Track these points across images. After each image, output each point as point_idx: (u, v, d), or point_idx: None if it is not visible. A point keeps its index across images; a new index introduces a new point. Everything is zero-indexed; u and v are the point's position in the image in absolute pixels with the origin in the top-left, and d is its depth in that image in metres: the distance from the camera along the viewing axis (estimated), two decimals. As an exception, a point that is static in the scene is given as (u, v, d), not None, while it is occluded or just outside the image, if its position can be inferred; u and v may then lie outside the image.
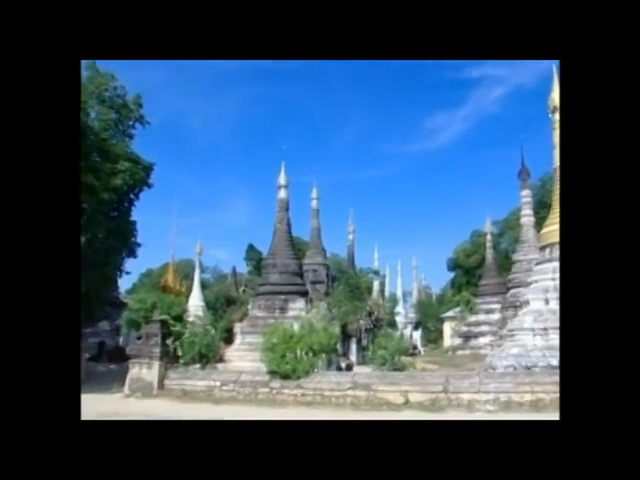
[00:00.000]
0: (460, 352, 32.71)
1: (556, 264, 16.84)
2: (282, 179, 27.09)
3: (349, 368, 20.97)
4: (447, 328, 43.49)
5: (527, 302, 18.63)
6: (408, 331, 43.25)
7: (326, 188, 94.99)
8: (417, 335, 45.77)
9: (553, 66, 18.73)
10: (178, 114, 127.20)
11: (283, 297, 24.76)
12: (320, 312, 23.37)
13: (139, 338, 16.53)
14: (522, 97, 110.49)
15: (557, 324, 13.41)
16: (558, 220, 15.14)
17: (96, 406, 12.57)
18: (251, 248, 49.61)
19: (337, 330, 20.98)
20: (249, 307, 27.23)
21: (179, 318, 18.62)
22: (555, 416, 4.64)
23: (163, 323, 16.57)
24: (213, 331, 19.65)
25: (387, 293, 52.23)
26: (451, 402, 12.26)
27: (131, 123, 18.57)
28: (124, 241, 18.64)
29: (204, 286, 36.64)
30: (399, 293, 54.17)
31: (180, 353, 16.30)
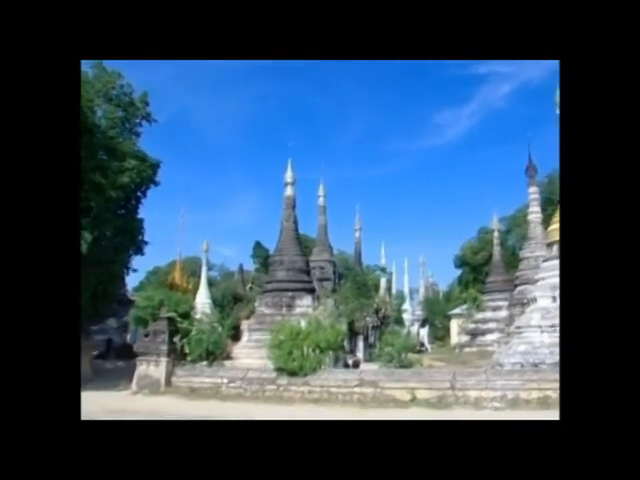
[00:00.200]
0: (467, 349, 32.65)
1: (563, 261, 16.71)
2: (289, 176, 27.01)
3: (356, 365, 20.87)
4: (454, 325, 43.33)
5: (534, 299, 18.59)
6: (415, 328, 43.19)
7: (333, 185, 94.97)
8: (424, 332, 45.55)
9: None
10: (184, 112, 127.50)
11: (290, 294, 24.72)
12: (327, 309, 23.31)
13: (146, 335, 16.65)
14: (529, 93, 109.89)
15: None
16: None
17: (104, 403, 12.74)
18: (258, 245, 49.62)
19: (344, 327, 20.96)
20: (256, 304, 27.22)
21: (186, 315, 18.73)
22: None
23: (170, 320, 16.66)
24: (220, 328, 19.70)
25: (394, 290, 51.99)
26: (458, 399, 12.29)
27: (138, 121, 18.59)
28: (131, 239, 18.71)
29: (211, 283, 36.67)
30: (406, 290, 53.93)
31: (187, 350, 16.39)
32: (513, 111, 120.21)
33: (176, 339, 16.29)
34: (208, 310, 27.53)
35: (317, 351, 14.31)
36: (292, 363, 13.95)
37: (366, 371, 14.80)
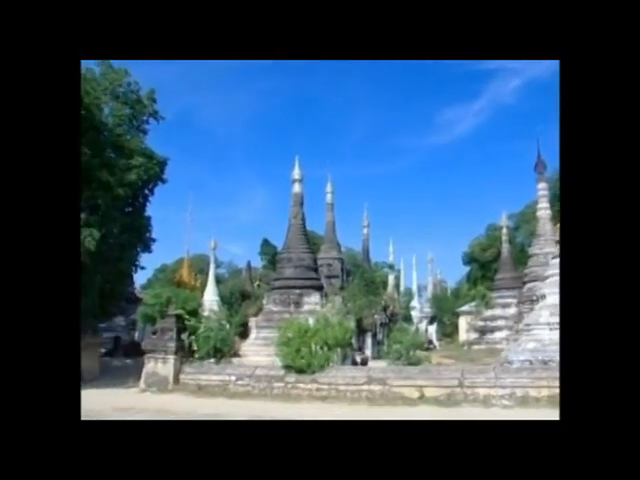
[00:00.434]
0: (476, 346, 32.44)
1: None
2: (296, 173, 26.85)
3: (364, 362, 20.84)
4: (463, 322, 43.08)
5: (543, 296, 18.42)
6: (423, 325, 42.99)
7: (341, 182, 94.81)
8: (432, 329, 45.50)
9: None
10: (192, 109, 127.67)
11: (298, 291, 24.59)
12: (335, 306, 23.26)
13: (154, 333, 16.60)
14: (539, 88, 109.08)
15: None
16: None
17: (112, 401, 12.77)
18: (266, 243, 49.61)
19: (352, 324, 20.94)
20: (264, 301, 27.18)
21: (194, 313, 18.61)
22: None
23: (178, 318, 16.59)
24: (228, 326, 19.64)
25: (402, 287, 51.88)
26: (467, 397, 12.20)
27: (145, 118, 18.56)
28: (139, 236, 18.73)
29: (219, 281, 36.64)
30: (414, 287, 53.78)
31: (195, 348, 16.36)
32: (522, 107, 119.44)
33: (184, 336, 16.24)
34: (216, 307, 27.47)
35: (325, 348, 14.24)
36: (300, 360, 13.88)
37: (374, 368, 14.71)
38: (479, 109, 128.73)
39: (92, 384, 15.51)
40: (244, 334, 24.08)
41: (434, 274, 62.32)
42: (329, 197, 34.40)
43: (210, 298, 30.54)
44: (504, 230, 37.18)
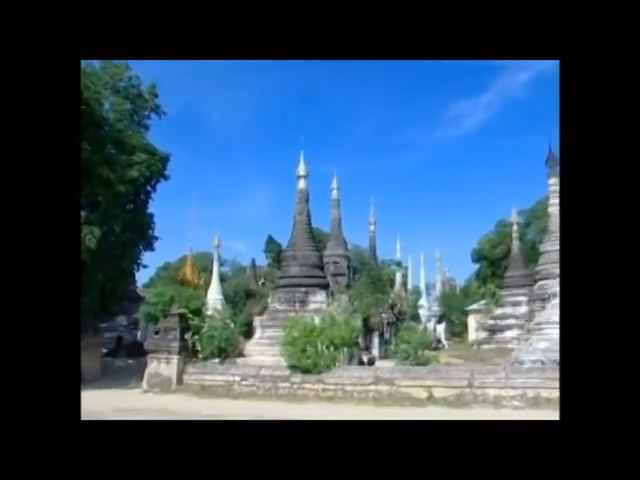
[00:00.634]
0: (486, 346, 32.10)
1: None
2: (301, 169, 26.59)
3: (371, 362, 20.62)
4: (472, 321, 42.64)
5: (555, 294, 18.23)
6: (432, 324, 42.56)
7: (347, 178, 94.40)
8: (441, 328, 45.13)
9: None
10: (195, 104, 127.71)
11: (303, 290, 24.36)
12: (341, 305, 23.06)
13: (157, 332, 16.45)
14: (549, 81, 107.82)
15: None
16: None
17: (113, 402, 12.65)
18: (270, 240, 49.32)
19: (359, 323, 20.78)
20: (269, 300, 27.02)
21: (198, 312, 18.41)
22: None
23: (181, 317, 16.40)
24: (232, 325, 19.47)
25: (410, 285, 51.64)
26: (476, 398, 12.01)
27: (146, 113, 18.30)
28: (141, 234, 18.47)
29: (223, 279, 36.51)
30: (422, 285, 53.55)
31: (199, 347, 16.13)
32: (532, 100, 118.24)
33: (187, 336, 16.03)
34: (220, 306, 27.40)
35: (331, 348, 14.08)
36: (306, 360, 13.73)
37: (382, 368, 14.49)
38: (488, 102, 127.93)
39: (93, 385, 15.44)
40: (249, 333, 23.98)
41: (443, 272, 62.12)
42: (335, 193, 34.01)
43: (214, 297, 30.44)
44: (514, 226, 36.75)
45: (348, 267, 32.56)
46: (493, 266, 50.63)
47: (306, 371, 13.67)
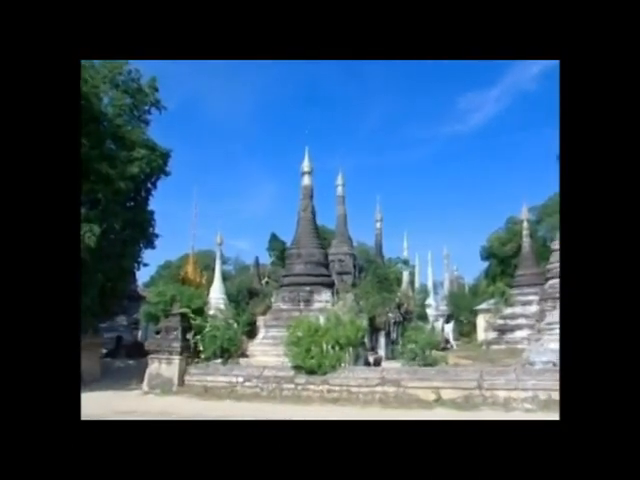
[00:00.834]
0: (495, 346, 31.91)
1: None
2: (306, 165, 26.37)
3: (377, 363, 20.45)
4: (481, 321, 42.37)
5: (567, 293, 17.76)
6: (439, 324, 42.25)
7: (352, 174, 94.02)
8: (449, 328, 44.90)
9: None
10: (197, 99, 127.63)
11: (308, 288, 24.14)
12: (347, 304, 22.81)
13: (158, 332, 16.43)
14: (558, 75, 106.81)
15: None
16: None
17: (113, 403, 12.68)
18: (274, 238, 49.23)
19: (365, 323, 20.53)
20: (272, 299, 26.82)
21: (200, 311, 18.34)
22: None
23: (183, 316, 16.28)
24: (235, 325, 19.25)
25: (417, 284, 51.47)
26: (486, 400, 11.86)
27: (147, 108, 18.02)
28: (142, 232, 18.23)
29: (225, 278, 36.46)
30: (430, 284, 53.37)
31: (201, 348, 16.03)
32: (543, 92, 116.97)
33: (189, 336, 15.94)
34: (222, 306, 27.33)
35: (336, 348, 13.98)
36: (310, 361, 13.61)
37: (388, 369, 14.28)
38: (497, 96, 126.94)
39: (93, 386, 15.43)
40: (252, 333, 23.82)
41: (451, 270, 61.94)
42: (340, 190, 33.65)
43: (216, 296, 30.36)
44: (525, 224, 36.47)
45: (354, 265, 32.30)
46: (503, 264, 50.29)
47: (311, 372, 13.57)
